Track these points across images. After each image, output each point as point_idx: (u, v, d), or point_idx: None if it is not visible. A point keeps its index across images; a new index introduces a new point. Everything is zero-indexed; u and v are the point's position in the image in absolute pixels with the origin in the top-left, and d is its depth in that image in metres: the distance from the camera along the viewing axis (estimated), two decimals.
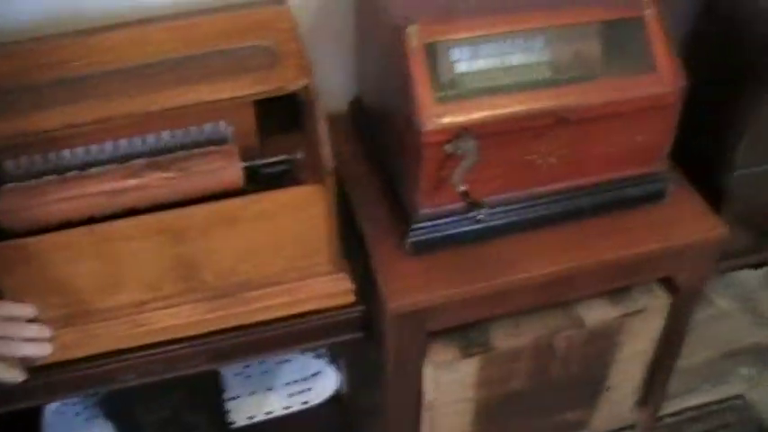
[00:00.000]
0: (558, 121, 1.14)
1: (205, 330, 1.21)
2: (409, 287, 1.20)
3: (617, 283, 1.31)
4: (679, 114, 1.21)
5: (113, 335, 1.18)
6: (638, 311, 1.34)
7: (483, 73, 1.13)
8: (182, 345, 1.21)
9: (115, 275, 1.13)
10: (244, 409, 1.56)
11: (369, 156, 1.41)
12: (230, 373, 1.62)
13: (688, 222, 1.29)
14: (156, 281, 1.15)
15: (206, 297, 1.19)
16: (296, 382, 1.61)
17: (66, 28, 1.21)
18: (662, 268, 1.32)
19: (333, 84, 1.52)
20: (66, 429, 1.51)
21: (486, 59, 1.14)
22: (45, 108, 1.07)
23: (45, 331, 1.07)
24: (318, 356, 1.61)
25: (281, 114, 1.22)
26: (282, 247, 1.17)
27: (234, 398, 1.58)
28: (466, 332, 1.30)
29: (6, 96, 1.10)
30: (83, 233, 1.08)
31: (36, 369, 1.15)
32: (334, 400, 1.57)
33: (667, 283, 1.35)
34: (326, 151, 1.11)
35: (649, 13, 1.17)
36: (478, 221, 1.14)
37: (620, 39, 1.17)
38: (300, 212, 1.13)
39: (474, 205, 1.12)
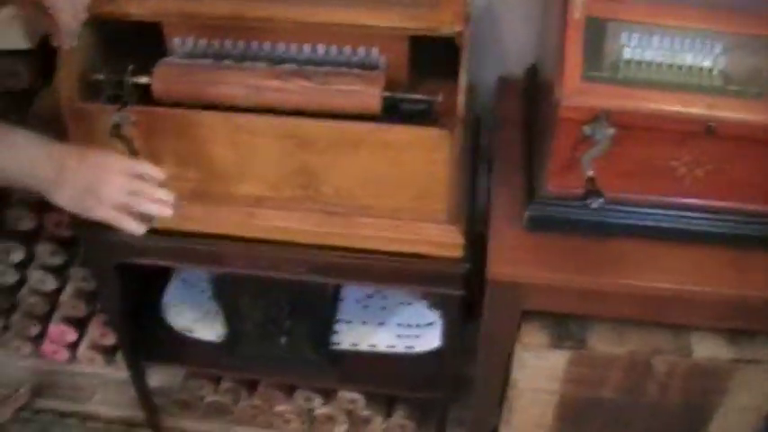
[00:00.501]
0: (705, 130, 1.09)
1: (312, 242, 1.30)
2: (515, 259, 1.21)
3: (738, 323, 1.23)
4: None
5: (230, 220, 1.30)
6: (756, 361, 1.25)
7: (644, 64, 1.11)
8: (288, 249, 1.31)
9: (242, 166, 1.24)
10: (351, 335, 1.64)
11: (524, 122, 1.42)
12: (351, 299, 1.71)
13: None
14: (278, 181, 1.25)
15: (320, 210, 1.27)
16: (408, 326, 1.67)
17: None
18: None
19: (516, 48, 1.55)
20: (183, 296, 1.69)
21: (654, 51, 1.11)
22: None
23: (170, 196, 1.19)
24: (435, 308, 1.65)
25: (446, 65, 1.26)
26: (402, 183, 1.22)
27: (347, 321, 1.67)
28: (564, 323, 1.28)
29: None
30: (221, 118, 1.19)
31: (159, 232, 1.29)
32: (436, 354, 1.61)
33: None
34: (461, 100, 1.14)
35: None
36: (594, 210, 1.12)
37: None
38: (424, 153, 1.17)
39: (593, 193, 1.10)
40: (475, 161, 1.50)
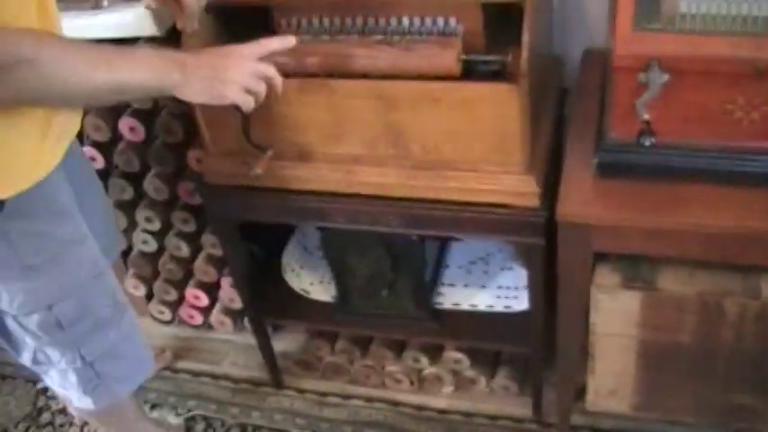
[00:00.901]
0: (754, 71, 1.19)
1: (406, 195, 1.48)
2: (584, 201, 1.35)
3: None
4: None
5: (332, 178, 1.50)
6: None
7: (698, 16, 1.22)
8: (384, 202, 1.50)
9: (340, 127, 1.44)
10: (454, 296, 1.81)
11: (603, 88, 1.53)
12: (454, 266, 1.87)
13: None
14: (371, 140, 1.44)
15: (411, 165, 1.45)
16: (508, 288, 1.81)
17: None
18: None
19: (601, 21, 1.66)
20: (300, 260, 1.91)
21: (702, 3, 1.22)
22: None
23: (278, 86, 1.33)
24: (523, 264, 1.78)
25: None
26: (480, 137, 1.38)
27: (450, 284, 1.83)
28: (636, 266, 1.40)
29: None
30: (320, 84, 1.39)
31: (271, 192, 1.52)
32: (526, 315, 1.73)
33: None
34: (525, 55, 1.29)
35: None
36: (652, 152, 1.25)
37: None
38: (496, 107, 1.33)
39: (645, 133, 1.22)
40: (560, 128, 1.64)
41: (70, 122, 1.33)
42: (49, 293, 1.34)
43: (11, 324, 1.38)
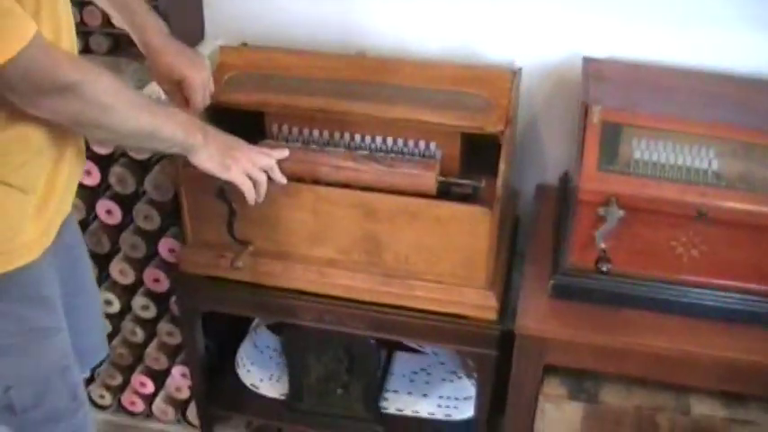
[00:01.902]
0: (699, 215, 1.44)
1: (373, 300, 1.66)
2: (540, 318, 1.56)
3: (731, 386, 1.54)
4: None
5: (304, 278, 1.67)
6: (748, 422, 1.55)
7: (650, 163, 1.48)
8: (352, 305, 1.67)
9: (319, 231, 1.62)
10: (397, 402, 1.97)
11: (556, 218, 1.79)
12: (399, 372, 2.04)
13: None
14: (348, 246, 1.63)
15: (381, 273, 1.64)
16: (449, 398, 1.99)
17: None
18: None
19: (553, 159, 1.96)
20: (252, 358, 2.04)
21: (659, 153, 1.48)
22: (315, 95, 1.62)
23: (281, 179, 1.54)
24: (473, 384, 1.97)
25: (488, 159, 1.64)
26: (449, 252, 1.59)
27: (395, 391, 2.00)
28: (581, 380, 1.61)
29: (298, 83, 1.67)
30: (307, 189, 1.58)
31: (245, 286, 1.69)
32: (469, 423, 1.92)
33: None
34: (500, 184, 1.51)
35: None
36: (606, 278, 1.48)
37: None
38: (468, 226, 1.54)
39: (603, 259, 1.46)
40: (512, 252, 1.86)
41: (64, 202, 1.43)
42: (10, 376, 1.41)
43: None
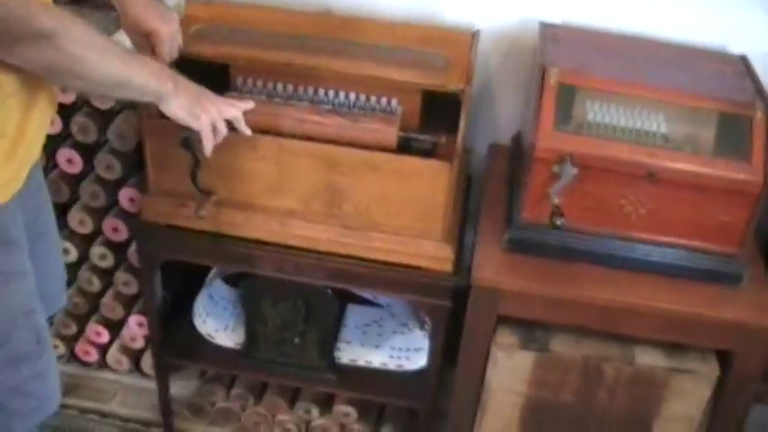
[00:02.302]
0: (648, 175, 1.53)
1: (332, 250, 1.72)
2: (495, 270, 1.64)
3: (672, 336, 1.65)
4: (764, 206, 1.55)
5: (265, 227, 1.72)
6: (687, 371, 1.65)
7: (602, 125, 1.56)
8: (311, 255, 1.73)
9: (281, 182, 1.67)
10: (350, 353, 2.04)
11: (508, 177, 1.87)
12: (352, 324, 2.11)
13: (757, 308, 1.61)
14: (309, 197, 1.68)
15: (341, 224, 1.70)
16: (400, 349, 2.06)
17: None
18: (717, 340, 1.64)
19: (506, 119, 2.04)
20: (208, 309, 2.09)
21: (611, 116, 1.56)
22: (281, 50, 1.66)
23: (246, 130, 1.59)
24: (425, 336, 2.05)
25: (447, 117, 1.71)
26: (408, 205, 1.65)
27: (348, 342, 2.07)
28: (532, 330, 1.70)
29: (263, 37, 1.71)
30: (270, 140, 1.63)
31: (206, 235, 1.73)
32: (422, 372, 2.00)
33: (724, 357, 1.67)
34: (459, 140, 1.58)
35: (759, 116, 1.54)
36: (558, 232, 1.56)
37: (727, 129, 1.55)
38: (427, 180, 1.61)
39: (556, 214, 1.54)
40: (465, 208, 1.93)
41: (34, 148, 1.45)
42: None
43: None
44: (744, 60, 1.78)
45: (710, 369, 1.67)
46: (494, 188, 1.87)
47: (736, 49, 1.84)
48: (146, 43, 1.57)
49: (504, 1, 1.91)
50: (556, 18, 1.87)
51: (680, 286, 1.64)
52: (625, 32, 1.87)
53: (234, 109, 1.56)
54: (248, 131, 1.59)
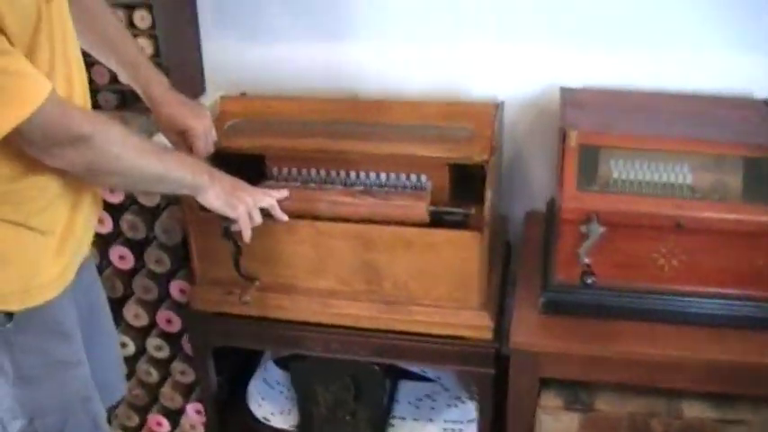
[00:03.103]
0: (676, 226, 1.56)
1: (375, 326, 1.79)
2: (533, 333, 1.69)
3: (719, 387, 1.66)
4: None
5: (310, 309, 1.80)
6: (738, 421, 1.66)
7: (628, 181, 1.61)
8: (356, 332, 1.80)
9: (321, 263, 1.75)
10: (404, 428, 2.09)
11: (544, 241, 1.92)
12: (405, 400, 2.15)
13: None
14: (348, 276, 1.76)
15: (381, 300, 1.77)
16: (454, 422, 2.10)
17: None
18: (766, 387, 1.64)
19: (540, 187, 2.10)
20: (263, 392, 2.16)
21: (635, 171, 1.61)
22: (312, 137, 1.77)
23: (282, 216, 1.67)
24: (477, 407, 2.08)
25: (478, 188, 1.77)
26: (444, 277, 1.71)
27: (401, 418, 2.12)
28: (576, 390, 1.72)
29: (295, 126, 1.82)
30: (307, 225, 1.72)
31: (253, 320, 1.81)
32: None
33: None
34: (487, 209, 1.64)
35: None
36: (591, 291, 1.60)
37: (754, 173, 1.58)
38: (460, 251, 1.67)
39: (587, 273, 1.58)
40: (505, 275, 1.99)
41: (82, 245, 1.55)
42: (35, 406, 1.51)
43: None
44: None
45: (763, 418, 1.68)
46: (530, 253, 1.93)
47: (761, 94, 1.89)
48: (182, 141, 1.67)
49: (527, 70, 1.99)
50: (578, 82, 1.94)
51: (722, 335, 1.65)
52: (646, 89, 1.93)
53: (268, 198, 1.65)
54: (284, 217, 1.68)
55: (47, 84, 1.26)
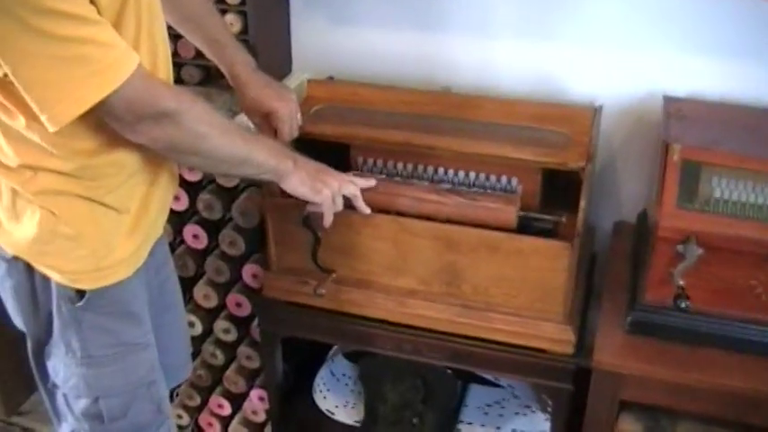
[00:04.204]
0: None
1: (451, 330, 1.75)
2: (617, 353, 1.64)
3: None
4: None
5: (385, 307, 1.77)
6: None
7: (730, 202, 1.54)
8: (430, 335, 1.76)
9: (400, 261, 1.72)
10: None
11: (633, 255, 1.86)
12: (474, 405, 2.13)
13: None
14: (428, 277, 1.72)
15: (460, 304, 1.73)
16: (522, 431, 2.06)
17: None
18: None
19: (631, 197, 2.04)
20: (329, 384, 2.16)
21: (738, 192, 1.55)
22: (400, 129, 1.73)
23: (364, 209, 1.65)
24: (547, 419, 2.04)
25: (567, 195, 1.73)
26: (528, 286, 1.67)
27: (469, 423, 2.09)
28: (657, 417, 1.67)
29: (382, 116, 1.79)
30: (390, 220, 1.69)
31: (326, 313, 1.79)
32: None
33: None
34: (580, 219, 1.59)
35: None
36: (684, 315, 1.55)
37: None
38: (547, 261, 1.63)
39: (681, 296, 1.53)
40: (590, 286, 1.93)
41: (157, 224, 1.55)
42: (100, 386, 1.53)
43: (60, 399, 1.57)
44: None
45: None
46: (617, 267, 1.87)
47: None
48: (266, 124, 1.66)
49: (628, 75, 1.92)
50: (681, 91, 1.87)
51: None
52: (753, 103, 1.84)
53: (353, 186, 1.62)
54: (366, 209, 1.65)
55: (134, 56, 1.26)
